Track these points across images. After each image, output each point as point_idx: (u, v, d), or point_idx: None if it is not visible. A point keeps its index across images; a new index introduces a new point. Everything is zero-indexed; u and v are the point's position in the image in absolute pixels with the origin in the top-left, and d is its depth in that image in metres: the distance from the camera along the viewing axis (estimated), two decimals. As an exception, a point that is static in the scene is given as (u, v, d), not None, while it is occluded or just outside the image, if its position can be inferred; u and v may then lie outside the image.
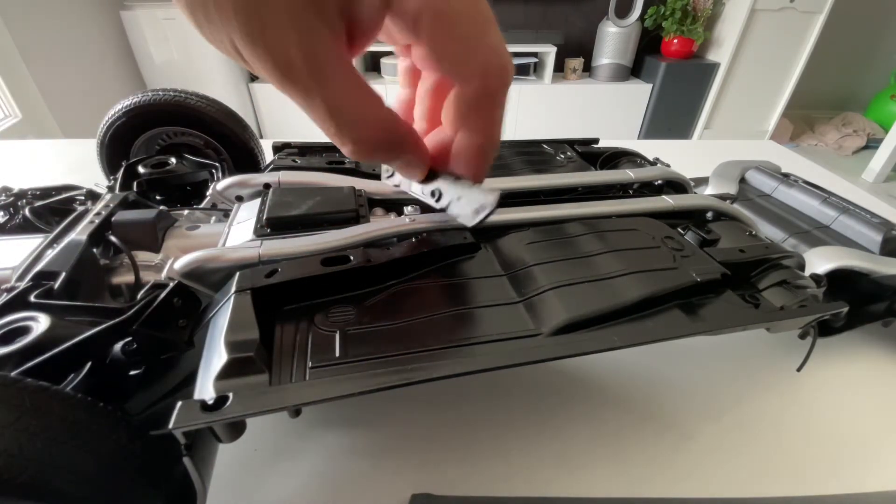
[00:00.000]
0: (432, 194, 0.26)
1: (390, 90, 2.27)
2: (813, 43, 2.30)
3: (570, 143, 0.55)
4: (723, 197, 0.45)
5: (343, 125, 0.18)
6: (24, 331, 0.23)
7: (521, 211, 0.36)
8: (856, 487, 0.32)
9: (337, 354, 0.24)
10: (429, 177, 0.25)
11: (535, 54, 2.38)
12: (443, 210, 0.26)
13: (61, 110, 1.82)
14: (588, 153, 0.53)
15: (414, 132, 0.23)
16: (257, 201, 0.35)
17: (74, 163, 0.76)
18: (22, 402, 0.17)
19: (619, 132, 2.57)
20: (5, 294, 0.25)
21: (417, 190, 0.28)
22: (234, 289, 0.25)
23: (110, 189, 0.41)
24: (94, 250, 0.31)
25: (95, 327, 0.23)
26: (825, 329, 0.40)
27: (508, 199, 0.40)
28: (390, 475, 0.31)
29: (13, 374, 0.19)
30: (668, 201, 0.40)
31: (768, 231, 0.48)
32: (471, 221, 0.25)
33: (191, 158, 0.46)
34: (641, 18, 2.32)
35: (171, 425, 0.18)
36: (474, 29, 0.18)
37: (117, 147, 0.48)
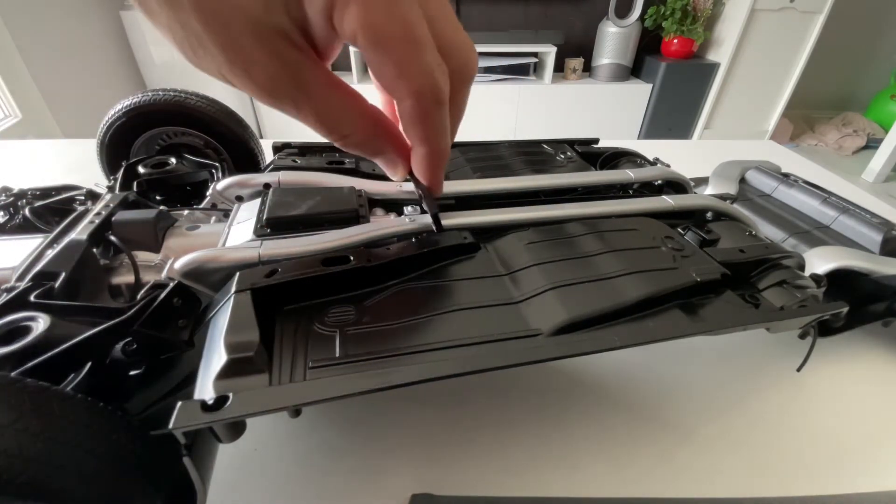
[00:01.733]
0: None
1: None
2: (813, 43, 2.29)
3: (570, 143, 0.55)
4: (723, 197, 0.45)
5: (332, 125, 0.21)
6: (24, 331, 0.23)
7: (521, 211, 0.36)
8: (856, 487, 0.32)
9: (337, 354, 0.24)
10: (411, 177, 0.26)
11: (535, 54, 2.37)
12: (425, 212, 0.27)
13: (61, 110, 1.81)
14: (588, 153, 0.53)
15: (396, 130, 0.24)
16: (257, 201, 0.35)
17: (74, 163, 0.76)
18: (22, 402, 0.17)
19: (619, 132, 2.57)
20: (5, 294, 0.25)
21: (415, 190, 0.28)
22: (234, 289, 0.25)
23: (110, 189, 0.41)
24: (94, 250, 0.31)
25: (95, 327, 0.23)
26: (825, 329, 0.40)
27: (509, 199, 0.40)
28: (390, 475, 0.31)
29: (13, 374, 0.19)
30: (668, 201, 0.40)
31: (768, 231, 0.48)
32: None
33: (191, 158, 0.46)
34: (641, 18, 2.31)
35: (171, 425, 0.18)
36: (405, 52, 0.19)
37: (117, 147, 0.48)
